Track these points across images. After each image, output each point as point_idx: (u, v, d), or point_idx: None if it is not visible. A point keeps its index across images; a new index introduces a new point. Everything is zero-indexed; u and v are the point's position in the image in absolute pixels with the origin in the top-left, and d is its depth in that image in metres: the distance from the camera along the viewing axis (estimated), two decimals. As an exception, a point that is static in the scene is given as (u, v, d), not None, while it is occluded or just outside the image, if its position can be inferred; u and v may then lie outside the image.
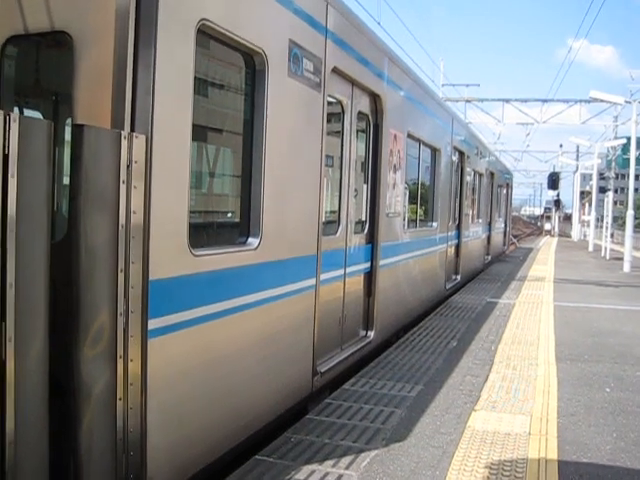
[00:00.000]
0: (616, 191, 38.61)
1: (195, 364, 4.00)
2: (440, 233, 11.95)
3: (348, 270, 6.91)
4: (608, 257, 25.68)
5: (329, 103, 6.01)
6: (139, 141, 3.38)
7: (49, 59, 4.24)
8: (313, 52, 5.48)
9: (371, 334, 7.60)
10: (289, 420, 5.37)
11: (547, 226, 64.03)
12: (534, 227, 79.62)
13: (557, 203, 57.58)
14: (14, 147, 2.66)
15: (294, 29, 5.17)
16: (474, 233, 17.10)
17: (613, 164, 35.87)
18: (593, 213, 35.65)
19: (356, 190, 7.16)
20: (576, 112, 31.83)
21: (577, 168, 46.61)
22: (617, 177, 38.86)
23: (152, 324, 3.52)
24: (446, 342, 8.53)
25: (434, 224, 11.52)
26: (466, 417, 5.52)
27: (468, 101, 33.52)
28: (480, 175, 17.72)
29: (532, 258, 25.10)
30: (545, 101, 32.28)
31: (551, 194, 58.56)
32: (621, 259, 21.66)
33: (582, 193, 50.79)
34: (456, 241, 14.23)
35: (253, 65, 4.68)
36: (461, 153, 14.22)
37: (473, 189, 16.77)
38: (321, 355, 6.12)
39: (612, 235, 31.80)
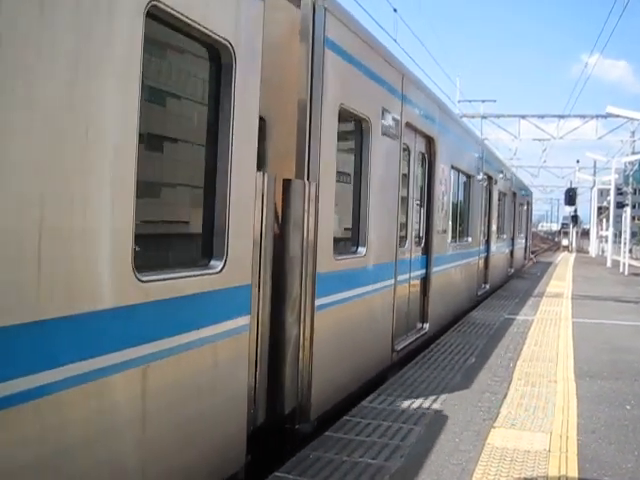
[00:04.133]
0: (634, 206, 38.47)
1: (335, 331, 6.07)
2: (474, 247, 14.02)
3: (412, 274, 8.96)
4: (626, 273, 25.84)
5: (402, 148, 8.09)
6: (312, 186, 5.46)
7: None
8: (394, 114, 7.56)
9: (426, 326, 9.64)
10: (377, 382, 7.28)
11: (565, 242, 63.84)
12: (551, 243, 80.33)
13: (574, 219, 57.15)
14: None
15: (384, 99, 7.26)
16: (499, 247, 19.11)
17: (631, 179, 35.25)
18: (611, 229, 35.46)
19: (417, 213, 9.24)
20: (592, 128, 31.65)
21: (594, 183, 45.67)
22: (635, 192, 38.15)
23: (317, 302, 5.58)
24: (464, 359, 8.52)
25: (469, 239, 13.60)
26: (485, 434, 5.53)
27: (484, 117, 33.91)
28: (504, 195, 19.78)
29: (550, 274, 24.91)
30: (561, 117, 32.41)
31: (568, 210, 58.55)
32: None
33: (600, 208, 49.92)
34: (485, 254, 16.26)
35: (361, 128, 6.77)
36: (489, 177, 16.30)
37: (499, 208, 18.82)
38: (396, 337, 8.15)
39: (630, 250, 31.80)
